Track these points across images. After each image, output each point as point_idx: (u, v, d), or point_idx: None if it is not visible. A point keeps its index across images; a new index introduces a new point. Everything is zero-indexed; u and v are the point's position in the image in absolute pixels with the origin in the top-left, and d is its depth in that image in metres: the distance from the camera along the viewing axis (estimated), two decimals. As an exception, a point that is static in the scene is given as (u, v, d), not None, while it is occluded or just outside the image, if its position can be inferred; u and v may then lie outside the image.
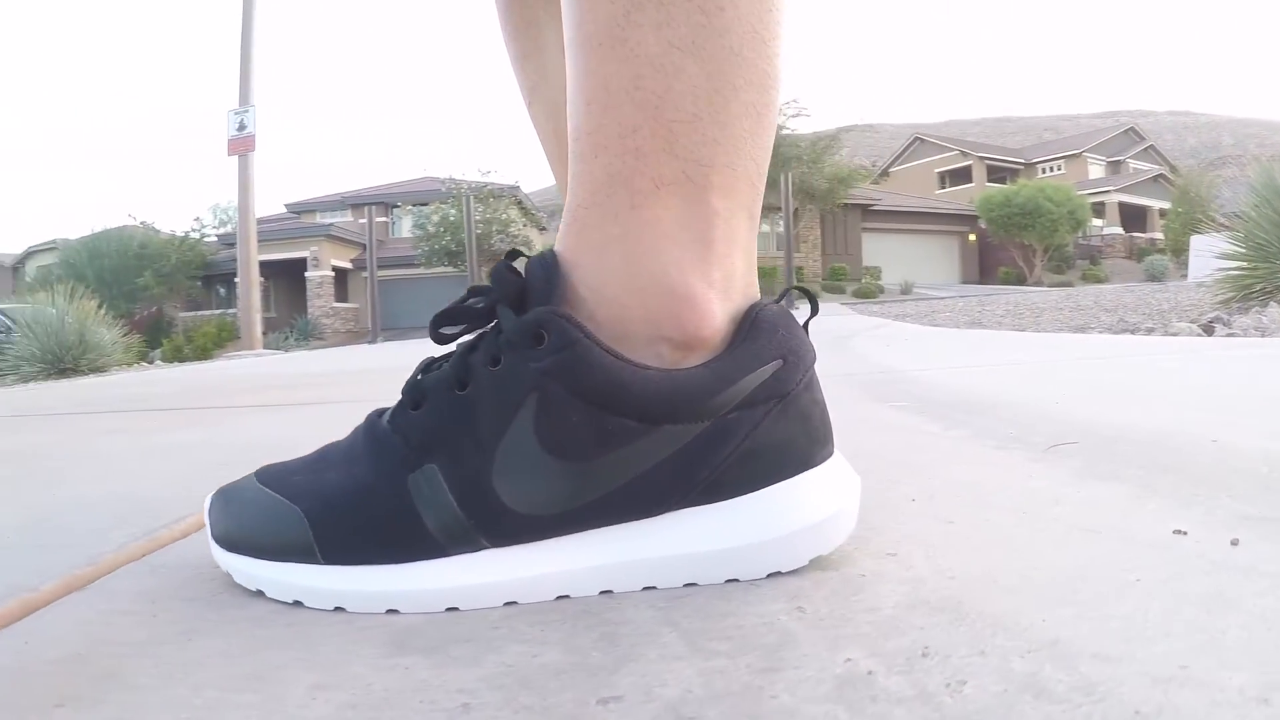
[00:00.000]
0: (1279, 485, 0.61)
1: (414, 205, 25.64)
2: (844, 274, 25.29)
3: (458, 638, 0.42)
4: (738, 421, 0.46)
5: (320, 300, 23.74)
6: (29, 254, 25.70)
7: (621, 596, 0.46)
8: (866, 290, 22.79)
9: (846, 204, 25.15)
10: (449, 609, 0.45)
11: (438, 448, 0.46)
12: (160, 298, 23.24)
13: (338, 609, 0.46)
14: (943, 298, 13.87)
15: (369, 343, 8.71)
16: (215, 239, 25.23)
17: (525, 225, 25.74)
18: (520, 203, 26.58)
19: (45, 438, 1.30)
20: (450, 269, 22.02)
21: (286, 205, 29.47)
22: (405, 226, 26.17)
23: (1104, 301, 7.32)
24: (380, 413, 0.51)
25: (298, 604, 0.47)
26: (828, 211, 24.91)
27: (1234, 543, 0.48)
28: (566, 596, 0.46)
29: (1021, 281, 27.67)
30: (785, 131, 23.65)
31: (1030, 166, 39.87)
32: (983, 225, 29.36)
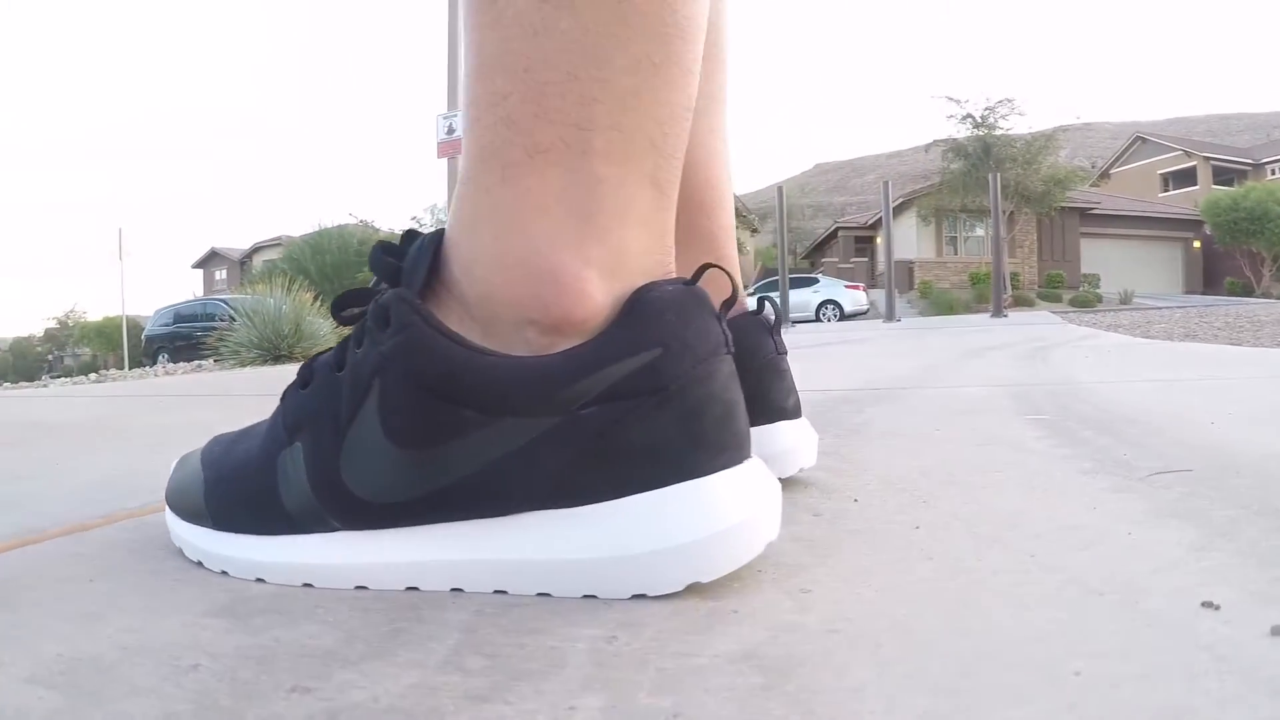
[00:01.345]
0: None
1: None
2: (1060, 281, 23.15)
3: (272, 609, 0.41)
4: (594, 417, 0.40)
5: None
6: (256, 249, 28.12)
7: (453, 597, 0.41)
8: (1083, 299, 20.97)
9: (1063, 207, 22.88)
10: (304, 584, 0.44)
11: (306, 427, 0.45)
12: (377, 293, 24.20)
13: (223, 572, 0.46)
14: (1161, 308, 12.67)
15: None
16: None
17: (737, 226, 25.65)
18: None
19: (214, 414, 1.40)
20: None
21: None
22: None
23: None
24: None
25: (199, 564, 0.48)
26: (1044, 215, 22.86)
27: (1275, 631, 0.34)
28: (416, 589, 0.43)
29: (1249, 293, 24.73)
30: (999, 131, 21.91)
31: (1259, 167, 34.99)
32: (1208, 231, 26.49)
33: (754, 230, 28.50)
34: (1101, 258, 26.05)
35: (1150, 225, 28.01)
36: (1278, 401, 1.15)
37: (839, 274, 23.68)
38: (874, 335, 4.53)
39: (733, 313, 0.69)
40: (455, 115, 10.20)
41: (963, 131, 22.44)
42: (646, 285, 0.42)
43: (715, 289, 0.69)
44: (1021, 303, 19.69)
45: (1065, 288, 23.24)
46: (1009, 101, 22.26)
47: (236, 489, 0.47)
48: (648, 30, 0.40)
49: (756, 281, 22.34)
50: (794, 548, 0.49)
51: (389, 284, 0.44)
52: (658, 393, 0.40)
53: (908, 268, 23.22)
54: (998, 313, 7.40)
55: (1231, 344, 3.55)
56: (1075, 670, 0.31)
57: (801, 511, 0.58)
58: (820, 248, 30.82)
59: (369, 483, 0.42)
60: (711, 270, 0.69)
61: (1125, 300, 21.61)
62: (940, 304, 19.32)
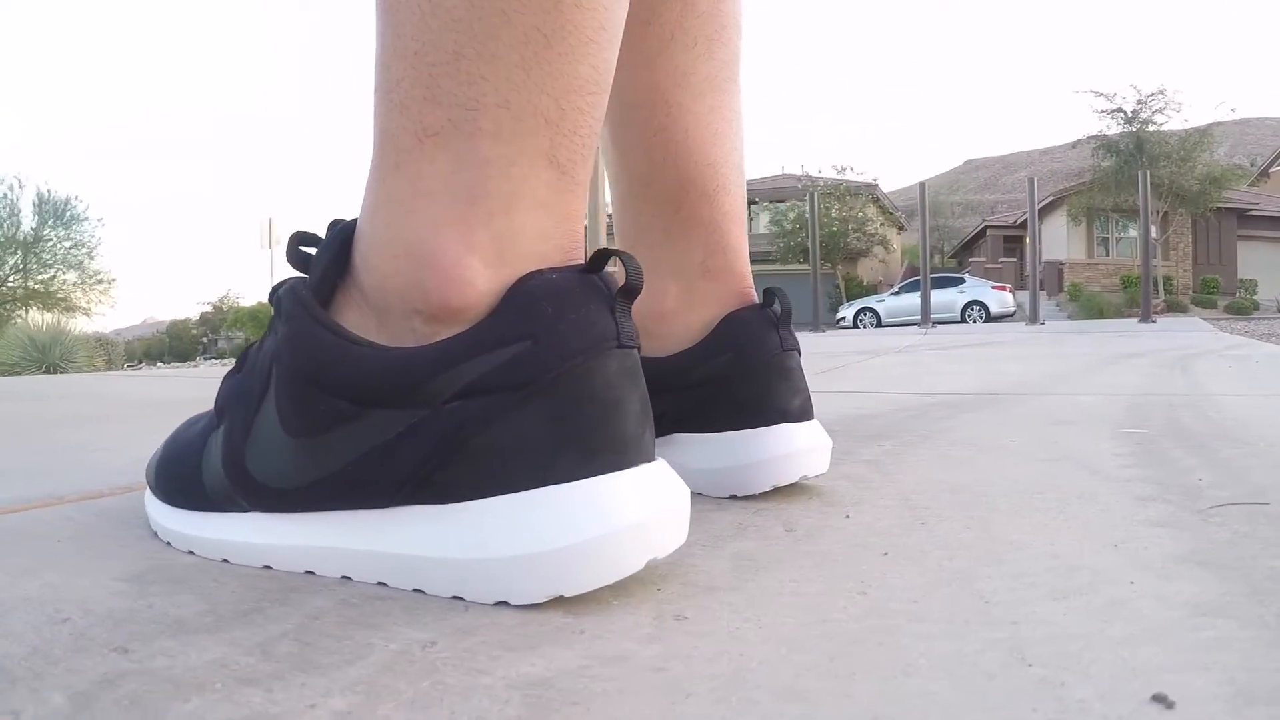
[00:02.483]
0: None
1: (770, 202, 25.81)
2: (1215, 287, 20.82)
3: (176, 579, 0.42)
4: (458, 412, 0.37)
5: (678, 290, 24.13)
6: None
7: (329, 585, 0.40)
8: (1239, 306, 19.00)
9: (1220, 208, 20.19)
10: (223, 559, 0.45)
11: (230, 411, 0.45)
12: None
13: (167, 543, 0.48)
14: None
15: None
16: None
17: (883, 224, 24.98)
18: (878, 200, 25.13)
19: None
20: (806, 266, 21.49)
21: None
22: (762, 222, 26.34)
23: None
24: None
25: (155, 534, 0.50)
26: (1199, 216, 20.54)
27: None
28: (313, 573, 0.42)
29: None
30: (1152, 127, 19.74)
31: None
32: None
33: (900, 228, 27.56)
34: (1260, 262, 23.39)
35: (1312, 228, 25.52)
36: None
37: (986, 274, 22.46)
38: (1013, 338, 4.25)
39: (739, 305, 0.64)
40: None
41: (1113, 127, 20.43)
42: (530, 273, 0.38)
43: (719, 282, 0.64)
44: (1174, 308, 17.93)
45: (1220, 293, 21.34)
46: (1161, 95, 20.36)
47: (174, 466, 0.48)
48: (536, 1, 0.37)
49: (901, 280, 21.74)
50: (725, 566, 0.43)
51: (304, 273, 0.44)
52: (521, 388, 0.36)
53: (1057, 269, 21.71)
54: (1145, 318, 6.77)
55: None
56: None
57: (776, 524, 0.52)
58: (968, 247, 29.42)
59: (266, 467, 0.42)
60: (718, 263, 0.64)
61: (1286, 308, 19.92)
62: (1089, 307, 17.97)
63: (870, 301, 19.78)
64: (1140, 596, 0.38)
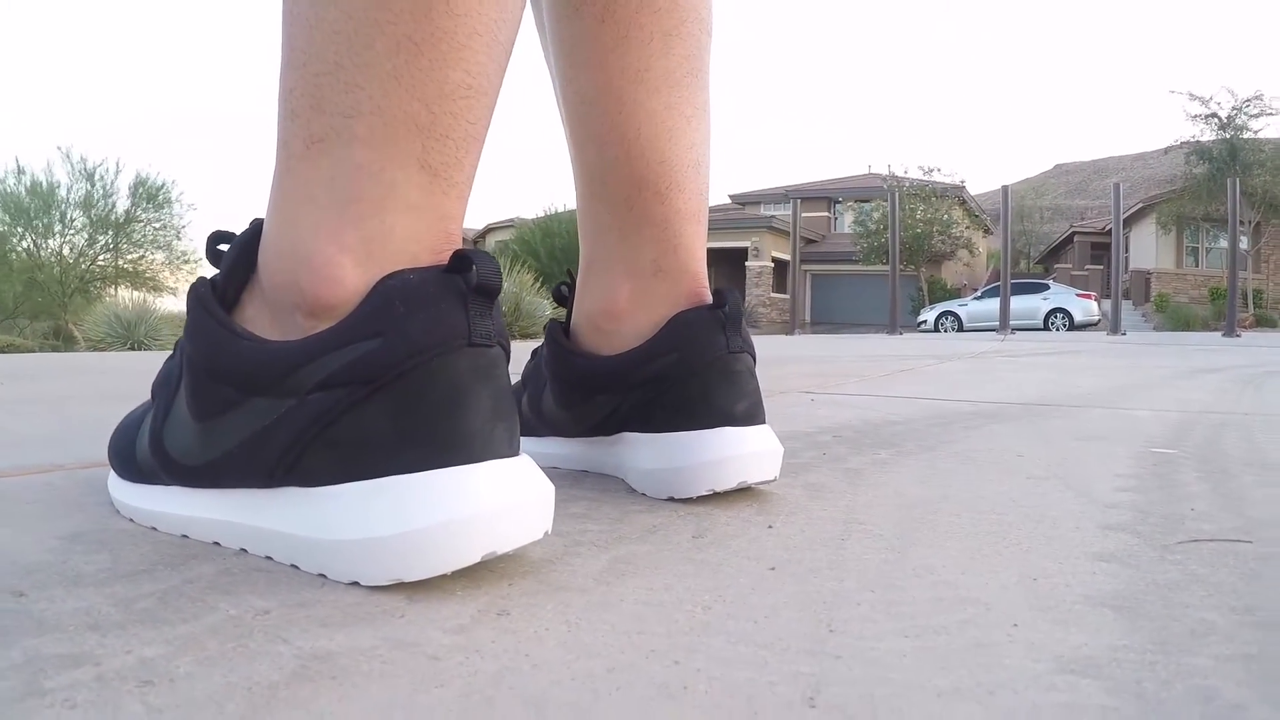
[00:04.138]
0: None
1: (855, 201, 25.22)
2: None
3: (105, 540, 0.45)
4: (318, 403, 0.38)
5: (759, 290, 23.51)
6: (489, 229, 29.06)
7: (226, 555, 0.43)
8: None
9: None
10: (151, 527, 0.47)
11: (159, 393, 0.47)
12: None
13: (116, 511, 0.51)
14: None
15: (785, 334, 8.90)
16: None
17: (968, 226, 24.24)
18: (964, 203, 24.16)
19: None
20: (888, 267, 20.89)
21: (730, 195, 28.20)
22: (846, 222, 25.50)
23: None
24: None
25: (109, 503, 0.52)
26: None
27: None
28: (219, 544, 0.44)
29: None
30: (1247, 134, 18.26)
31: None
32: None
33: (987, 231, 26.67)
34: None
35: None
36: None
37: (1072, 281, 21.52)
38: (1090, 348, 4.05)
39: (690, 305, 0.60)
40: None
41: (1206, 133, 18.95)
42: (390, 274, 0.39)
43: (671, 282, 0.61)
44: (1263, 322, 16.53)
45: None
46: (1259, 99, 18.54)
47: (119, 440, 0.51)
48: (408, 10, 0.38)
49: (986, 285, 21.18)
50: (600, 567, 0.42)
51: (218, 270, 0.46)
52: (369, 383, 0.37)
53: (1145, 278, 20.62)
54: (1230, 332, 6.41)
55: None
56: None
57: (688, 530, 0.49)
58: (1055, 252, 28.30)
59: (177, 445, 0.44)
60: (670, 263, 0.61)
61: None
62: (1176, 319, 16.97)
63: (952, 305, 19.21)
64: (1010, 643, 0.33)
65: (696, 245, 0.61)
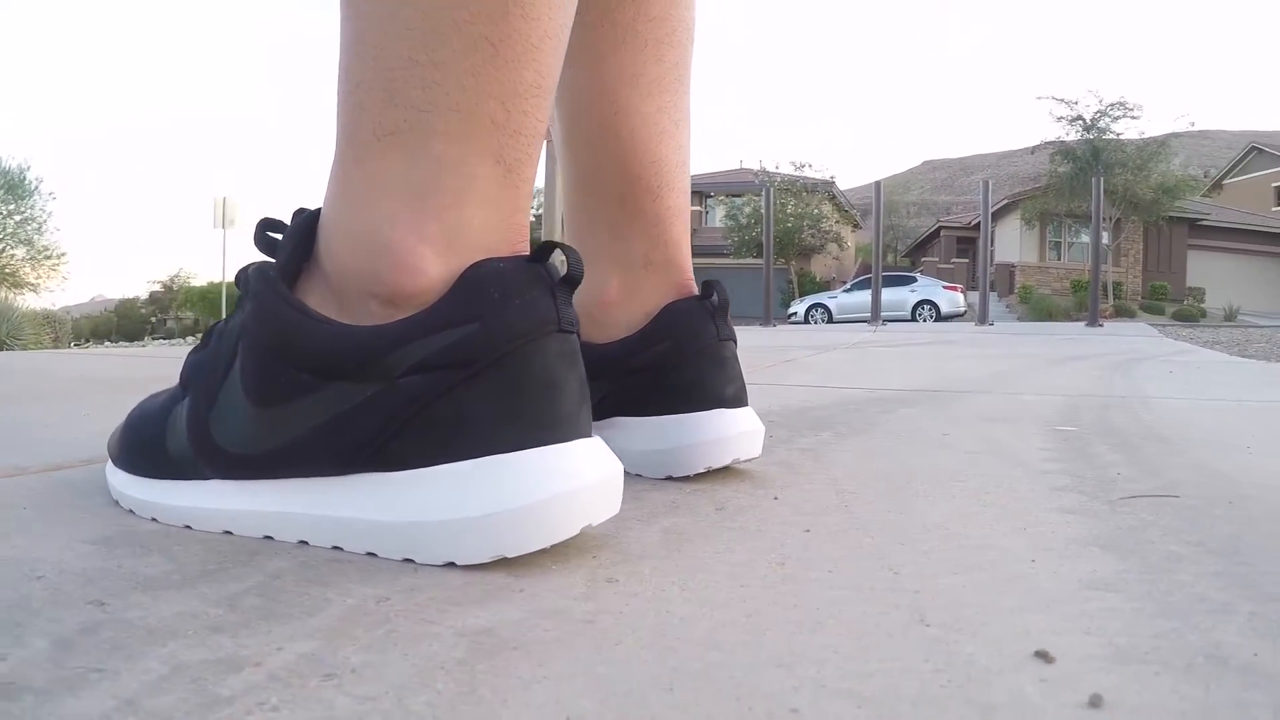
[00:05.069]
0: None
1: (727, 196, 25.74)
2: (1164, 293, 21.01)
3: (143, 543, 0.43)
4: (413, 386, 0.39)
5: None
6: None
7: (290, 548, 0.42)
8: (1186, 313, 19.30)
9: (1172, 217, 20.88)
10: (185, 526, 0.46)
11: (194, 384, 0.46)
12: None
13: (130, 511, 0.48)
14: (1265, 326, 11.65)
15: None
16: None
17: (838, 221, 25.12)
18: (834, 198, 25.13)
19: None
20: (759, 260, 21.34)
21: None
22: (718, 216, 26.14)
23: None
24: None
25: (116, 502, 0.50)
26: (1151, 224, 20.87)
27: (1094, 702, 0.27)
28: (271, 538, 0.43)
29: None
30: (1109, 135, 20.05)
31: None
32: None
33: (856, 226, 27.68)
34: (1208, 271, 23.90)
35: (1261, 240, 25.29)
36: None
37: (939, 274, 22.71)
38: (961, 338, 4.29)
39: (679, 296, 0.66)
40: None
41: (1072, 134, 20.62)
42: (479, 261, 0.40)
43: (660, 274, 0.66)
44: (1122, 313, 18.21)
45: (1169, 300, 21.65)
46: (1122, 104, 20.29)
47: (136, 436, 0.49)
48: (485, 11, 0.39)
49: (854, 278, 21.92)
50: (656, 538, 0.45)
51: (271, 258, 0.46)
52: (468, 366, 0.38)
53: (1009, 271, 22.01)
54: (1093, 322, 6.87)
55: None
56: (793, 709, 0.26)
57: (707, 503, 0.54)
58: (922, 246, 29.76)
59: (229, 434, 0.43)
60: (660, 256, 0.66)
61: (1230, 316, 19.96)
62: (1039, 310, 18.25)
63: (822, 298, 19.81)
64: (1038, 573, 0.40)
65: (684, 240, 0.66)
